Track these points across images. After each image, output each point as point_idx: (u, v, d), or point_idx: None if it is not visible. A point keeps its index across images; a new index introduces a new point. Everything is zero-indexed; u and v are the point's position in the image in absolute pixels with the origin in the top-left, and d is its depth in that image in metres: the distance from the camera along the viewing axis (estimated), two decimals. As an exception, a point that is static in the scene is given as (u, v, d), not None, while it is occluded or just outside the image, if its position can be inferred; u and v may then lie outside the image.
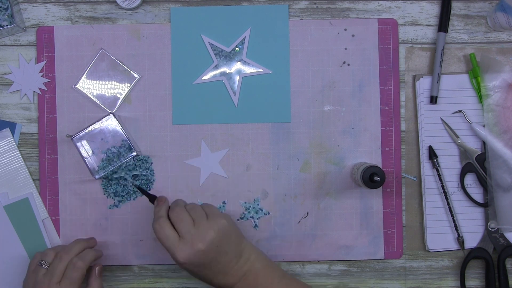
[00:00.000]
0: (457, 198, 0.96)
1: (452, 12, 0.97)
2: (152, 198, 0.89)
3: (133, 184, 0.93)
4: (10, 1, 0.92)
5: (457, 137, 0.96)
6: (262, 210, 0.95)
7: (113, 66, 0.95)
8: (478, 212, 0.96)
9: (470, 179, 0.96)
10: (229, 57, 0.95)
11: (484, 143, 0.95)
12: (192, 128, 0.96)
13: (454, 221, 0.95)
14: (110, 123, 0.94)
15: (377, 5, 0.97)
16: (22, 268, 0.92)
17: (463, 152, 0.96)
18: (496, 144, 0.94)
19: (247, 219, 0.95)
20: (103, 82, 0.95)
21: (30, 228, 0.93)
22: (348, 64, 0.96)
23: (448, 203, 0.95)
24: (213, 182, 0.95)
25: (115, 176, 0.93)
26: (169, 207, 0.86)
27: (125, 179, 0.94)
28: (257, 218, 0.95)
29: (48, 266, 0.86)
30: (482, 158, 0.94)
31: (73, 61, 0.95)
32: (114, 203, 0.95)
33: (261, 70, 0.96)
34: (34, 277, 0.86)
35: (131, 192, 0.95)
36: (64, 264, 0.86)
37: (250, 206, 0.95)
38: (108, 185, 0.94)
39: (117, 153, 0.94)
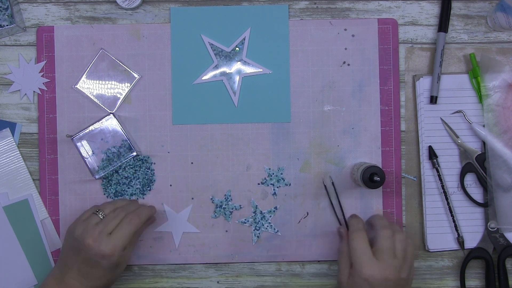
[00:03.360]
0: (457, 198, 0.96)
1: (452, 12, 0.97)
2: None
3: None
4: (10, 1, 0.92)
5: (457, 137, 0.96)
6: (283, 180, 0.95)
7: (113, 66, 0.95)
8: (478, 212, 0.96)
9: (470, 179, 0.96)
10: (229, 57, 0.95)
11: (484, 143, 0.95)
12: (192, 128, 0.96)
13: (454, 221, 0.95)
14: (110, 123, 0.94)
15: (377, 5, 0.97)
16: (19, 269, 0.92)
17: (463, 152, 0.96)
18: (496, 144, 0.94)
19: (268, 185, 0.95)
20: (103, 82, 0.95)
21: (29, 230, 0.93)
22: (348, 64, 0.96)
23: (448, 203, 0.95)
24: (213, 182, 0.95)
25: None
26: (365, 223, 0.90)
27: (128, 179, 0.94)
28: (277, 187, 0.95)
29: (103, 218, 0.85)
30: (482, 158, 0.94)
31: (73, 61, 0.95)
32: (114, 203, 0.95)
33: (261, 70, 0.96)
34: (85, 224, 0.84)
35: (131, 192, 0.95)
36: (119, 220, 0.85)
37: (273, 174, 0.95)
38: (108, 185, 0.94)
39: (117, 153, 0.94)
